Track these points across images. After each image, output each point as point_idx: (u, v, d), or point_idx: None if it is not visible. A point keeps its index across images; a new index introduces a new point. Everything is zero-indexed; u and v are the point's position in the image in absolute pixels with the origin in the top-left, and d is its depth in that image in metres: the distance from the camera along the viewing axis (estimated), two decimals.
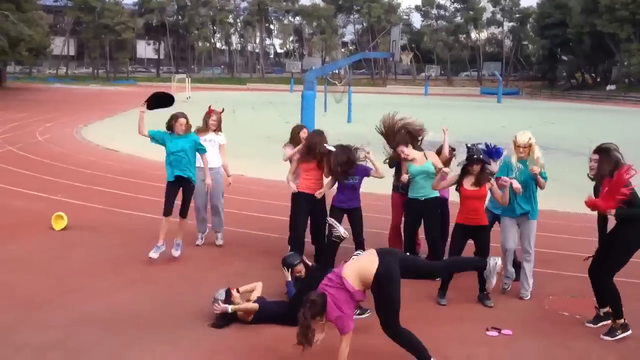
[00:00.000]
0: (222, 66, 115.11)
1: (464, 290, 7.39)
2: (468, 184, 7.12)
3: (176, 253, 8.45)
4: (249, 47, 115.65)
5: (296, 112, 24.07)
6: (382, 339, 5.43)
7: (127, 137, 24.24)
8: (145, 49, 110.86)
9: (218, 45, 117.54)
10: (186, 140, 8.32)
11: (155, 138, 8.39)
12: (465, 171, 7.16)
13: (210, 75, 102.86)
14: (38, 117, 32.08)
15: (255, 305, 6.35)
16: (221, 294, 6.36)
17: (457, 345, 6.03)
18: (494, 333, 6.32)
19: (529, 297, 7.35)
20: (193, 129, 8.65)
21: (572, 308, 6.93)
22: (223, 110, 9.54)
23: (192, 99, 52.85)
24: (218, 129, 9.29)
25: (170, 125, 8.36)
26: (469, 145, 7.13)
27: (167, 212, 8.34)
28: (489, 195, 7.29)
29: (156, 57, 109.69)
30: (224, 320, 6.26)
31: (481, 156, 7.00)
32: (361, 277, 5.19)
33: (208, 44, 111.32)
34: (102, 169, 16.05)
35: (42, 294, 7.04)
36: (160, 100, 8.56)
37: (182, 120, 8.31)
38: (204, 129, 9.18)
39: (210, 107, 9.50)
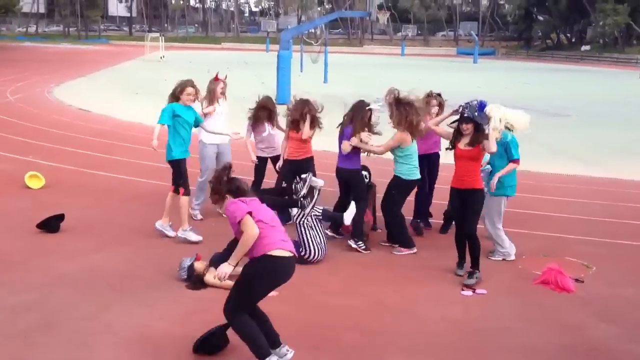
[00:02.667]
0: (196, 25, 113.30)
1: (441, 249, 7.47)
2: (462, 144, 6.74)
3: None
4: (224, 5, 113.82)
5: (272, 72, 23.84)
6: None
7: (100, 97, 23.92)
8: (117, 7, 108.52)
9: (192, 2, 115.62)
10: (193, 113, 7.80)
11: (171, 117, 7.62)
12: (458, 131, 6.78)
13: (184, 34, 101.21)
14: (8, 76, 31.41)
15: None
16: (185, 262, 6.36)
17: (432, 304, 6.11)
18: (469, 292, 6.40)
19: (497, 258, 7.38)
20: (200, 100, 8.23)
21: (544, 267, 7.01)
22: (226, 76, 8.94)
23: (165, 58, 52.17)
24: (224, 97, 8.80)
25: (176, 96, 7.68)
26: (462, 104, 6.78)
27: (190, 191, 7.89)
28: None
29: (128, 15, 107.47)
30: (200, 282, 6.25)
31: (474, 114, 6.58)
32: None
33: (182, 2, 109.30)
34: (75, 130, 15.81)
35: (15, 255, 6.98)
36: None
37: (191, 90, 7.70)
38: (212, 98, 8.60)
39: (217, 74, 8.79)
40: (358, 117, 7.53)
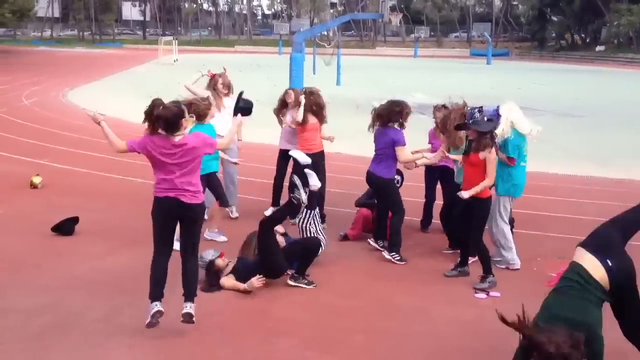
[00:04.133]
0: (209, 28, 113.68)
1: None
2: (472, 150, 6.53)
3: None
4: (237, 8, 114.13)
5: (285, 74, 23.88)
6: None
7: (114, 100, 24.03)
8: (130, 11, 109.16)
9: (205, 6, 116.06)
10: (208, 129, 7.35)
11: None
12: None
13: (197, 38, 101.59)
14: (23, 80, 31.65)
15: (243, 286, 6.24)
16: (208, 254, 6.37)
17: (445, 306, 6.08)
18: (482, 295, 6.36)
19: (501, 266, 7.13)
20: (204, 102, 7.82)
21: (559, 269, 6.95)
22: (209, 71, 8.76)
23: (179, 62, 52.35)
24: (230, 92, 8.52)
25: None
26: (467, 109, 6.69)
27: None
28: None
29: (142, 18, 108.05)
30: (215, 285, 6.27)
31: (469, 121, 6.38)
32: None
33: (195, 5, 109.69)
34: (89, 133, 15.84)
35: (28, 258, 7.03)
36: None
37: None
38: (217, 96, 8.33)
39: (209, 71, 8.54)
40: (397, 117, 7.22)
